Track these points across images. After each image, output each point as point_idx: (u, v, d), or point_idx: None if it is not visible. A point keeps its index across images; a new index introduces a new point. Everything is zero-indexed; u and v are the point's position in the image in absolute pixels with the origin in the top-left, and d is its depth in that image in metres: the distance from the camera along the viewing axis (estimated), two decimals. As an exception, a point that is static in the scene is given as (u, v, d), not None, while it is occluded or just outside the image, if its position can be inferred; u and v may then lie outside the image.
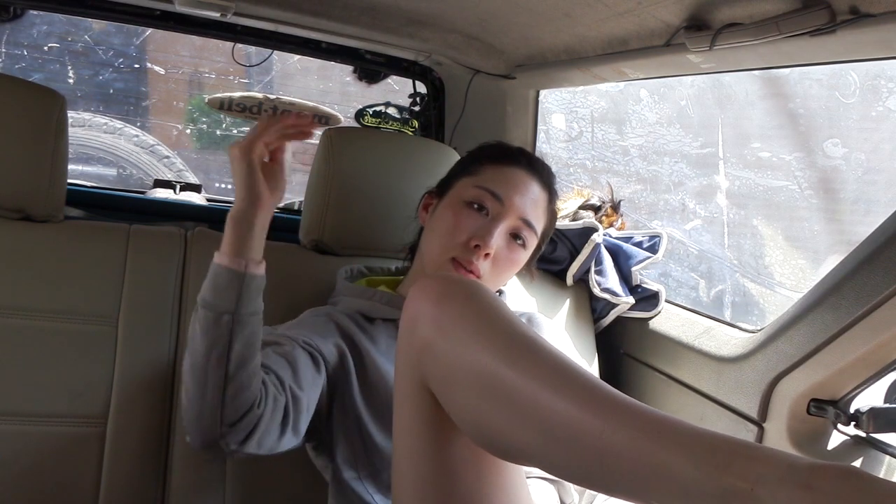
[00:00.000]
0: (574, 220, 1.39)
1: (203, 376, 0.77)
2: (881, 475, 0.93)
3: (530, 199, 0.99)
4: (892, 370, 0.91)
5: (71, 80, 3.57)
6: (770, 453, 0.53)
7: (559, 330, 1.19)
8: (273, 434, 0.82)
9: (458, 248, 0.96)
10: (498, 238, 0.96)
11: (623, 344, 1.38)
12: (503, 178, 0.99)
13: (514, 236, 0.99)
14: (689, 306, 1.32)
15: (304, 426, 0.86)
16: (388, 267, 1.18)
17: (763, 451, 0.53)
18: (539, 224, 1.02)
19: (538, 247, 1.05)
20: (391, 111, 1.70)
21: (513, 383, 0.64)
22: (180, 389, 1.03)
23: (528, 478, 0.90)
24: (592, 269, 1.35)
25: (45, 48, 3.48)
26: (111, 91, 3.68)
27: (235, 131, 3.90)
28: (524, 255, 1.01)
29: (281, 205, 1.95)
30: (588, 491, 0.98)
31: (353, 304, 1.03)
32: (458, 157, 1.17)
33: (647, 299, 1.34)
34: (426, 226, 1.04)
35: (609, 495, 0.63)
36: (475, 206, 0.97)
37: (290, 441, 0.84)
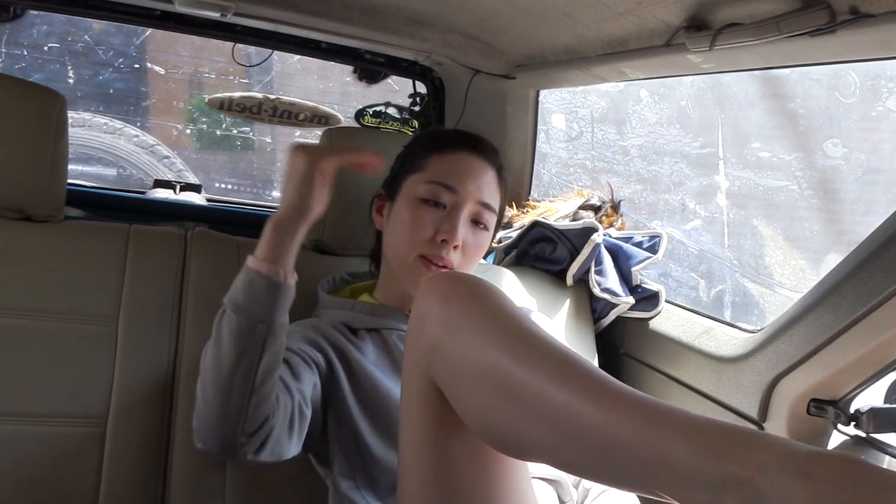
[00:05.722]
0: (574, 220, 1.39)
1: (229, 385, 0.76)
2: (865, 459, 0.93)
3: (483, 181, 0.99)
4: (892, 370, 0.91)
5: (71, 80, 3.57)
6: (771, 441, 0.53)
7: (556, 330, 1.19)
8: (283, 442, 0.82)
9: (424, 245, 0.95)
10: (462, 228, 0.96)
11: (623, 344, 1.38)
12: (451, 167, 0.98)
13: (476, 222, 0.99)
14: (689, 306, 1.32)
15: (305, 431, 0.86)
16: (371, 271, 1.17)
17: (764, 439, 0.53)
18: (495, 202, 1.01)
19: (498, 223, 1.05)
20: (391, 111, 1.70)
21: (518, 379, 0.65)
22: (180, 389, 1.04)
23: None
24: (592, 269, 1.35)
25: (45, 48, 3.48)
26: (111, 91, 3.68)
27: (235, 131, 3.90)
28: (488, 237, 1.02)
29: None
30: (583, 486, 0.98)
31: (336, 316, 1.02)
32: None
33: (647, 299, 1.34)
34: (385, 229, 1.03)
35: (614, 486, 0.63)
36: (431, 201, 0.97)
37: (296, 447, 0.85)
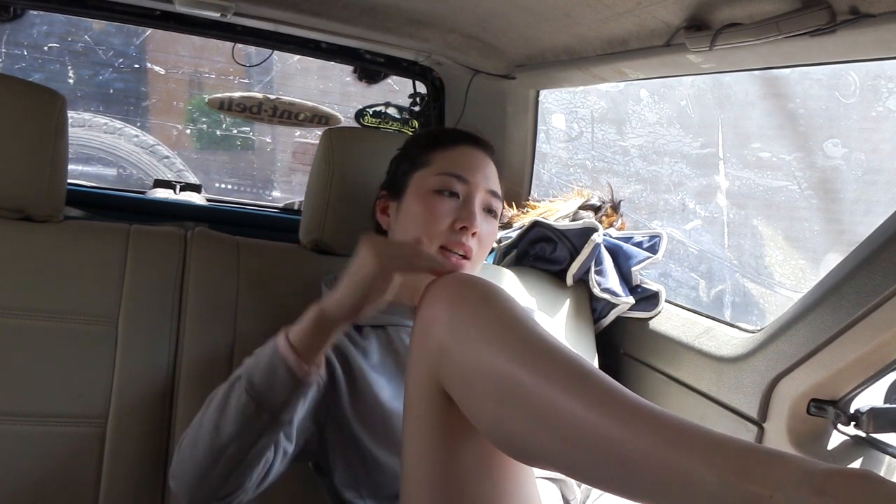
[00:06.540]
0: (574, 220, 1.39)
1: (220, 452, 0.77)
2: (881, 475, 0.93)
3: (488, 171, 1.02)
4: (892, 370, 0.91)
5: (71, 80, 3.57)
6: (788, 459, 0.53)
7: (556, 330, 1.18)
8: (251, 493, 0.82)
9: (443, 235, 0.96)
10: (478, 216, 0.98)
11: (623, 344, 1.38)
12: (458, 159, 1.00)
13: (487, 210, 1.01)
14: (689, 306, 1.32)
15: (280, 465, 0.85)
16: None
17: (781, 457, 0.53)
18: (500, 191, 1.04)
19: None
20: (391, 111, 1.70)
21: (531, 387, 0.64)
22: (180, 389, 1.04)
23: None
24: (592, 269, 1.35)
25: (45, 48, 3.48)
26: (111, 91, 3.68)
27: (235, 131, 3.90)
28: (497, 225, 1.04)
29: (280, 205, 1.96)
30: (584, 485, 0.98)
31: None
32: None
33: (647, 299, 1.34)
34: (394, 227, 1.03)
35: (628, 499, 0.63)
36: (445, 192, 0.98)
37: (265, 483, 0.84)
